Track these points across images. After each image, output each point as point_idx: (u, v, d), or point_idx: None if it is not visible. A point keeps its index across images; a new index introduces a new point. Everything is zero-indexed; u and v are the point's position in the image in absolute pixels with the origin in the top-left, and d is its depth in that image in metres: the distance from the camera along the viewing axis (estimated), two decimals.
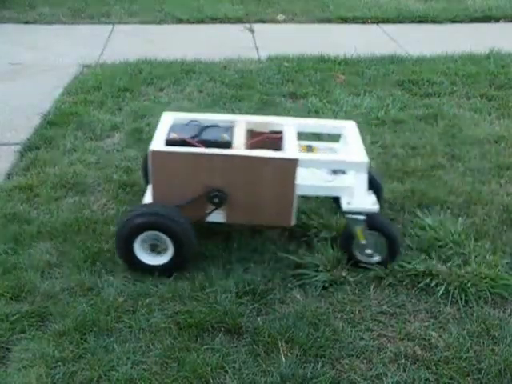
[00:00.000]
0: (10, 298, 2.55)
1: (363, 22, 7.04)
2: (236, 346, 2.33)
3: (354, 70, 5.31)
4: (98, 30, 6.69)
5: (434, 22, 7.10)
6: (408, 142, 3.98)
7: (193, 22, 6.99)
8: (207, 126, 2.83)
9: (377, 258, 2.75)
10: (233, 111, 4.27)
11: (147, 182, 3.14)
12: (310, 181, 2.79)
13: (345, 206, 2.70)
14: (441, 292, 2.62)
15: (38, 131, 4.09)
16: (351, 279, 2.68)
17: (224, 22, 7.00)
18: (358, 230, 2.70)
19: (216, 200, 2.68)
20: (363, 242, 2.71)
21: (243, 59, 5.60)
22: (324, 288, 2.65)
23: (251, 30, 6.71)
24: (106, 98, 4.62)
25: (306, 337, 2.36)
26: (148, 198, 2.81)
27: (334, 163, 2.79)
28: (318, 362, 2.26)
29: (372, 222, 2.70)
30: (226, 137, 2.73)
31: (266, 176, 2.64)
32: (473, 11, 7.35)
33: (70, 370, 2.21)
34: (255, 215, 2.75)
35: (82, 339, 2.34)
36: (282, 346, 2.32)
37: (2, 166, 3.65)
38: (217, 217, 2.76)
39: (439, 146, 3.94)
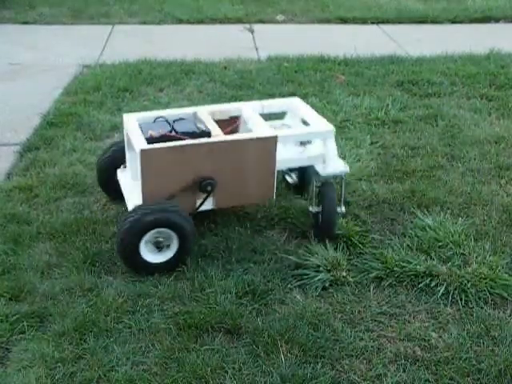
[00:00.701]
0: (10, 299, 2.55)
1: (363, 23, 7.04)
2: (236, 347, 2.33)
3: (354, 71, 5.31)
4: (97, 30, 6.69)
5: (434, 22, 7.10)
6: (408, 142, 3.98)
7: (193, 23, 6.99)
8: (175, 120, 2.87)
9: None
10: None
11: (107, 193, 3.22)
12: (286, 154, 2.94)
13: (321, 171, 2.93)
14: (441, 292, 2.62)
15: (38, 131, 4.09)
16: (351, 280, 2.68)
17: (224, 23, 7.00)
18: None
19: (209, 188, 2.74)
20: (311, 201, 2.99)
21: (243, 59, 5.60)
22: (324, 288, 2.65)
23: (251, 31, 6.71)
24: (106, 99, 4.62)
25: (306, 337, 2.36)
26: (134, 200, 2.79)
27: (306, 135, 2.99)
28: (317, 363, 2.26)
29: (321, 189, 2.95)
30: (202, 127, 2.81)
31: (251, 156, 2.78)
32: (473, 11, 7.35)
33: (70, 371, 2.21)
34: (242, 196, 2.88)
35: (81, 340, 2.34)
36: (281, 346, 2.32)
37: (2, 167, 3.64)
38: (206, 205, 2.81)
39: (439, 146, 3.94)
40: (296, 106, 3.21)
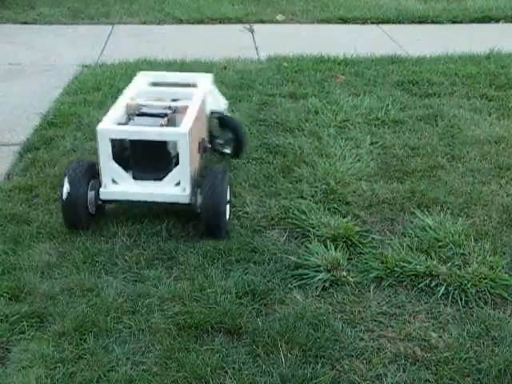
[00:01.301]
0: (10, 299, 2.55)
1: (363, 23, 7.04)
2: (236, 347, 2.33)
3: (354, 71, 5.31)
4: (97, 30, 6.69)
5: (433, 22, 7.10)
6: (408, 142, 3.98)
7: (193, 22, 6.99)
8: (143, 108, 3.15)
9: (227, 150, 3.60)
10: (233, 111, 4.26)
11: (82, 226, 2.97)
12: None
13: (220, 108, 3.56)
14: (441, 292, 2.62)
15: (38, 131, 4.09)
16: (351, 280, 2.68)
17: (224, 22, 6.99)
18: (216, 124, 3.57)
19: (209, 146, 3.29)
20: (217, 133, 3.57)
21: (243, 59, 5.60)
22: (324, 288, 2.65)
23: (251, 30, 6.71)
24: (106, 99, 4.61)
25: (306, 337, 2.36)
26: (170, 185, 2.93)
27: (210, 88, 3.52)
28: (317, 363, 2.26)
29: (225, 121, 3.57)
30: (172, 105, 3.16)
31: (203, 110, 3.31)
32: (473, 11, 7.34)
33: (70, 371, 2.21)
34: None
35: (81, 340, 2.34)
36: (281, 346, 2.32)
37: (2, 167, 3.65)
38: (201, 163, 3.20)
39: (439, 146, 3.94)
40: (158, 76, 3.77)
